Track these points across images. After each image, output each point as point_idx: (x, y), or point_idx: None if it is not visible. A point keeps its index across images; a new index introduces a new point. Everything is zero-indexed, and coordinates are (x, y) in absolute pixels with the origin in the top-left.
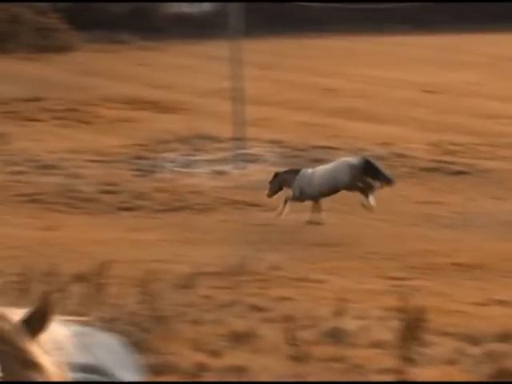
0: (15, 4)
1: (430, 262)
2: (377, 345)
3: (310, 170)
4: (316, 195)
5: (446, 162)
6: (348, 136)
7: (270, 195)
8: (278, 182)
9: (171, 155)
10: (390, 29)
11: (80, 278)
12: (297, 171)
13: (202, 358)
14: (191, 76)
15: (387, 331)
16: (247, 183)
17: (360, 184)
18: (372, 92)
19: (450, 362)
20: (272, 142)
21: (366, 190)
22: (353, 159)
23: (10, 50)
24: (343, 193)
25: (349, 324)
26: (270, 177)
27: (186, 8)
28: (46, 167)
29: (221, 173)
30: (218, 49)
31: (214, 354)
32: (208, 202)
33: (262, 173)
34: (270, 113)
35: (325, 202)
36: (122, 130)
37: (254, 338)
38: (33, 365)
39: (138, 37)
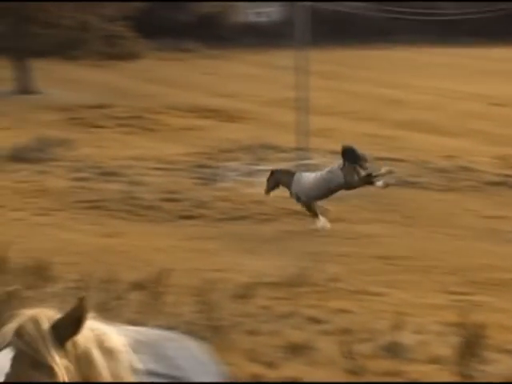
0: (84, 11)
1: (493, 277)
2: (435, 360)
3: (305, 174)
4: (310, 199)
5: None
6: (412, 148)
7: (267, 192)
8: (274, 180)
9: (234, 164)
10: (455, 40)
11: (138, 285)
12: (292, 173)
13: (257, 369)
14: (256, 85)
15: (446, 347)
16: None
17: (360, 179)
18: (437, 104)
19: (510, 379)
20: (335, 152)
21: (369, 180)
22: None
23: (78, 57)
24: (404, 203)
25: (407, 338)
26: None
27: (252, 17)
28: (108, 174)
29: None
30: (284, 58)
31: (270, 365)
32: (269, 212)
33: None
34: (334, 123)
35: (388, 214)
36: (185, 138)
37: (311, 350)
38: (43, 367)
39: (204, 45)
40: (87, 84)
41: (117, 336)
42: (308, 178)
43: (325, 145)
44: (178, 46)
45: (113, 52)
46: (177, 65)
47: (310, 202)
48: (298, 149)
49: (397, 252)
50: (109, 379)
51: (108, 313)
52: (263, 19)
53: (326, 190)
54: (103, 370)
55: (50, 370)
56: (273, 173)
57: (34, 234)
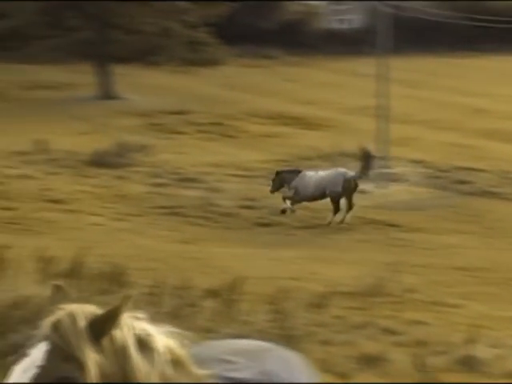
0: (166, 18)
1: None
2: (510, 375)
3: (310, 173)
4: (308, 198)
5: None
6: (494, 158)
7: (272, 191)
8: (279, 180)
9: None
10: None
11: (212, 292)
12: (298, 172)
13: (330, 379)
14: (337, 92)
15: None
16: (388, 203)
17: (351, 196)
18: None
19: None
20: (415, 161)
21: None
22: (350, 172)
23: (160, 63)
24: (483, 214)
25: (483, 352)
26: (412, 197)
27: (335, 24)
28: (187, 180)
29: (362, 191)
30: (365, 66)
31: (343, 375)
32: (347, 221)
33: (404, 193)
34: (415, 132)
35: (467, 225)
36: (264, 145)
37: (384, 361)
38: (75, 361)
39: (286, 52)
40: (168, 90)
41: (164, 339)
42: (311, 177)
43: (405, 154)
44: (259, 53)
45: (194, 58)
46: (258, 71)
47: (303, 200)
48: (377, 157)
49: (475, 263)
50: (144, 377)
51: (181, 319)
52: (345, 26)
53: (321, 193)
54: (139, 367)
55: (82, 365)
56: (278, 173)
57: (111, 239)
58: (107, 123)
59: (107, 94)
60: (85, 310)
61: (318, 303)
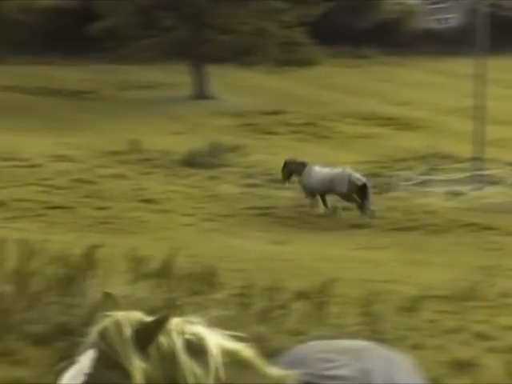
0: (262, 18)
1: None
2: None
3: (316, 168)
4: (314, 192)
5: None
6: None
7: (283, 181)
8: (288, 170)
9: (407, 173)
10: None
11: (302, 294)
12: (304, 164)
13: None
14: (433, 93)
15: None
16: (483, 205)
17: (355, 196)
18: None
19: None
20: (511, 164)
21: (360, 204)
22: (355, 174)
23: (254, 63)
24: None
25: None
26: (508, 200)
27: (432, 24)
28: (279, 181)
29: (457, 193)
30: (463, 66)
31: (434, 380)
32: (441, 223)
33: (500, 195)
34: (511, 133)
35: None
36: (358, 146)
37: (477, 367)
38: (121, 369)
39: (381, 52)
40: (262, 90)
41: (219, 342)
42: (317, 172)
43: (502, 155)
44: (354, 53)
45: (289, 58)
46: (353, 72)
47: (314, 194)
48: (473, 159)
49: None
50: (198, 381)
51: (271, 321)
52: (442, 25)
53: (328, 189)
54: (191, 371)
55: (128, 373)
56: (286, 164)
57: (202, 239)
58: (201, 123)
59: (201, 94)
60: (131, 318)
61: (410, 307)
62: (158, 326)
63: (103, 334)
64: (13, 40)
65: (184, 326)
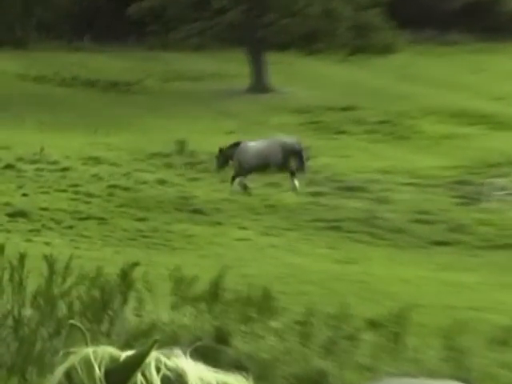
0: None
1: None
2: None
3: (249, 144)
4: (251, 169)
5: None
6: None
7: (217, 170)
8: (223, 157)
9: (501, 181)
10: None
11: (375, 323)
12: (237, 144)
13: None
14: None
15: None
16: None
17: (291, 166)
18: None
19: None
20: None
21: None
22: (287, 139)
23: (322, 51)
24: None
25: None
26: None
27: None
28: (350, 189)
29: None
30: None
31: None
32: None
33: None
34: None
35: None
36: (444, 148)
37: None
38: None
39: (472, 37)
40: (331, 82)
41: (203, 376)
42: (252, 147)
43: None
44: (439, 39)
45: (363, 45)
46: (438, 60)
47: (249, 171)
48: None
49: None
50: None
51: (337, 355)
52: None
53: (264, 164)
54: None
55: None
56: (221, 150)
57: (259, 257)
58: (258, 121)
59: (260, 87)
60: (102, 355)
61: (503, 339)
62: (134, 364)
63: (69, 375)
64: (40, 23)
65: (162, 361)
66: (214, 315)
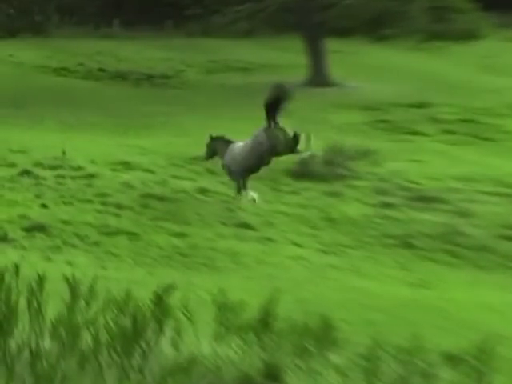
0: None
1: None
2: None
3: (238, 144)
4: (241, 173)
5: None
6: None
7: (207, 159)
8: (212, 148)
9: None
10: None
11: (453, 358)
12: (228, 143)
13: None
14: None
15: None
16: None
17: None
18: None
19: None
20: None
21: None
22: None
23: (391, 37)
24: None
25: None
26: None
27: None
28: (424, 199)
29: None
30: None
31: None
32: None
33: None
34: None
35: None
36: None
37: None
38: None
39: None
40: (403, 74)
41: None
42: (238, 147)
43: None
44: None
45: (440, 30)
46: None
47: (241, 175)
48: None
49: None
50: None
51: None
52: None
53: (258, 160)
54: None
55: None
56: (212, 139)
57: (316, 278)
58: (317, 119)
59: (319, 80)
60: None
61: None
62: None
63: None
64: (62, 6)
65: None
66: (263, 347)
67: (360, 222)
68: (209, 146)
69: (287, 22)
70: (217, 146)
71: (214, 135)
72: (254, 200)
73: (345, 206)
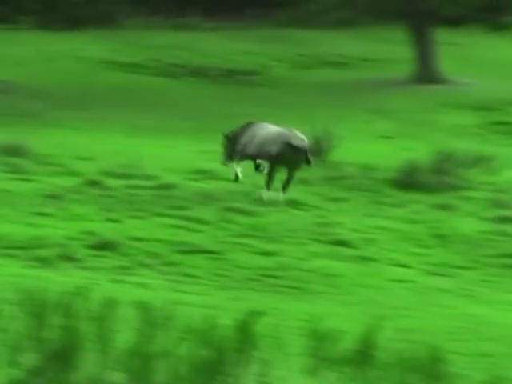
0: None
1: None
2: None
3: (260, 127)
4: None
5: None
6: None
7: (224, 163)
8: (231, 145)
9: None
10: None
11: None
12: (251, 124)
13: None
14: None
15: None
16: None
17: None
18: None
19: None
20: None
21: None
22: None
23: (509, 26)
24: None
25: None
26: None
27: None
28: None
29: None
30: None
31: None
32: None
33: None
34: None
35: None
36: None
37: None
38: None
39: None
40: None
41: None
42: (259, 129)
43: None
44: None
45: None
46: None
47: (243, 157)
48: None
49: None
50: None
51: None
52: None
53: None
54: None
55: None
56: (227, 137)
57: (424, 304)
58: (424, 121)
59: (427, 76)
60: None
61: None
62: None
63: None
64: None
65: None
66: (364, 383)
67: (474, 239)
68: (224, 144)
69: (390, 9)
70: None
71: (226, 132)
72: (237, 176)
73: (457, 220)
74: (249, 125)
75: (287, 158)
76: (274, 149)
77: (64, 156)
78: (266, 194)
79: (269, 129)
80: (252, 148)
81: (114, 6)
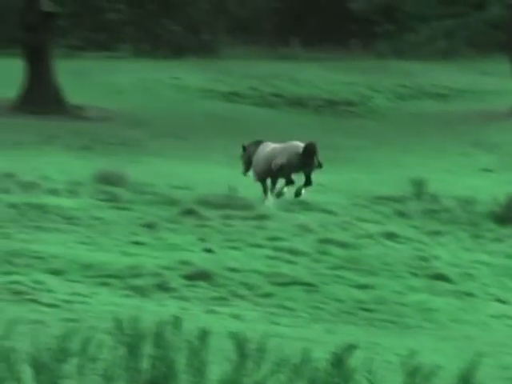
0: None
1: None
2: None
3: (269, 145)
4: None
5: None
6: None
7: (244, 173)
8: (248, 156)
9: None
10: None
11: None
12: (259, 142)
13: None
14: None
15: None
16: None
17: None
18: None
19: None
20: None
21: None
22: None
23: None
24: None
25: None
26: None
27: None
28: None
29: None
30: None
31: None
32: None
33: None
34: None
35: None
36: None
37: None
38: None
39: None
40: None
41: None
42: (266, 149)
43: None
44: None
45: None
46: None
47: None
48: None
49: None
50: None
51: None
52: None
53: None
54: None
55: None
56: (245, 148)
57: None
58: None
59: None
60: None
61: None
62: None
63: None
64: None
65: None
66: None
67: None
68: (243, 156)
69: (494, 40)
70: (250, 149)
71: (246, 143)
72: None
73: None
74: (258, 143)
75: (298, 166)
76: (282, 159)
77: (161, 185)
78: (268, 201)
79: (273, 146)
80: (261, 165)
81: (213, 35)
